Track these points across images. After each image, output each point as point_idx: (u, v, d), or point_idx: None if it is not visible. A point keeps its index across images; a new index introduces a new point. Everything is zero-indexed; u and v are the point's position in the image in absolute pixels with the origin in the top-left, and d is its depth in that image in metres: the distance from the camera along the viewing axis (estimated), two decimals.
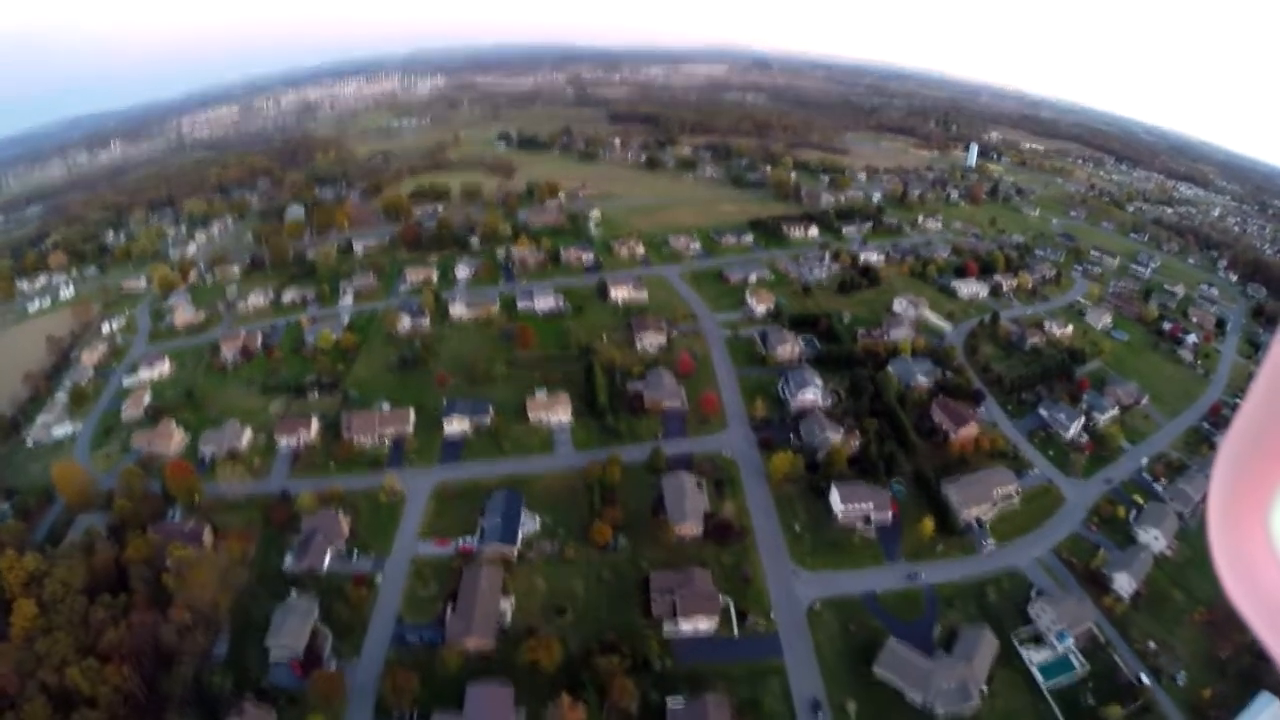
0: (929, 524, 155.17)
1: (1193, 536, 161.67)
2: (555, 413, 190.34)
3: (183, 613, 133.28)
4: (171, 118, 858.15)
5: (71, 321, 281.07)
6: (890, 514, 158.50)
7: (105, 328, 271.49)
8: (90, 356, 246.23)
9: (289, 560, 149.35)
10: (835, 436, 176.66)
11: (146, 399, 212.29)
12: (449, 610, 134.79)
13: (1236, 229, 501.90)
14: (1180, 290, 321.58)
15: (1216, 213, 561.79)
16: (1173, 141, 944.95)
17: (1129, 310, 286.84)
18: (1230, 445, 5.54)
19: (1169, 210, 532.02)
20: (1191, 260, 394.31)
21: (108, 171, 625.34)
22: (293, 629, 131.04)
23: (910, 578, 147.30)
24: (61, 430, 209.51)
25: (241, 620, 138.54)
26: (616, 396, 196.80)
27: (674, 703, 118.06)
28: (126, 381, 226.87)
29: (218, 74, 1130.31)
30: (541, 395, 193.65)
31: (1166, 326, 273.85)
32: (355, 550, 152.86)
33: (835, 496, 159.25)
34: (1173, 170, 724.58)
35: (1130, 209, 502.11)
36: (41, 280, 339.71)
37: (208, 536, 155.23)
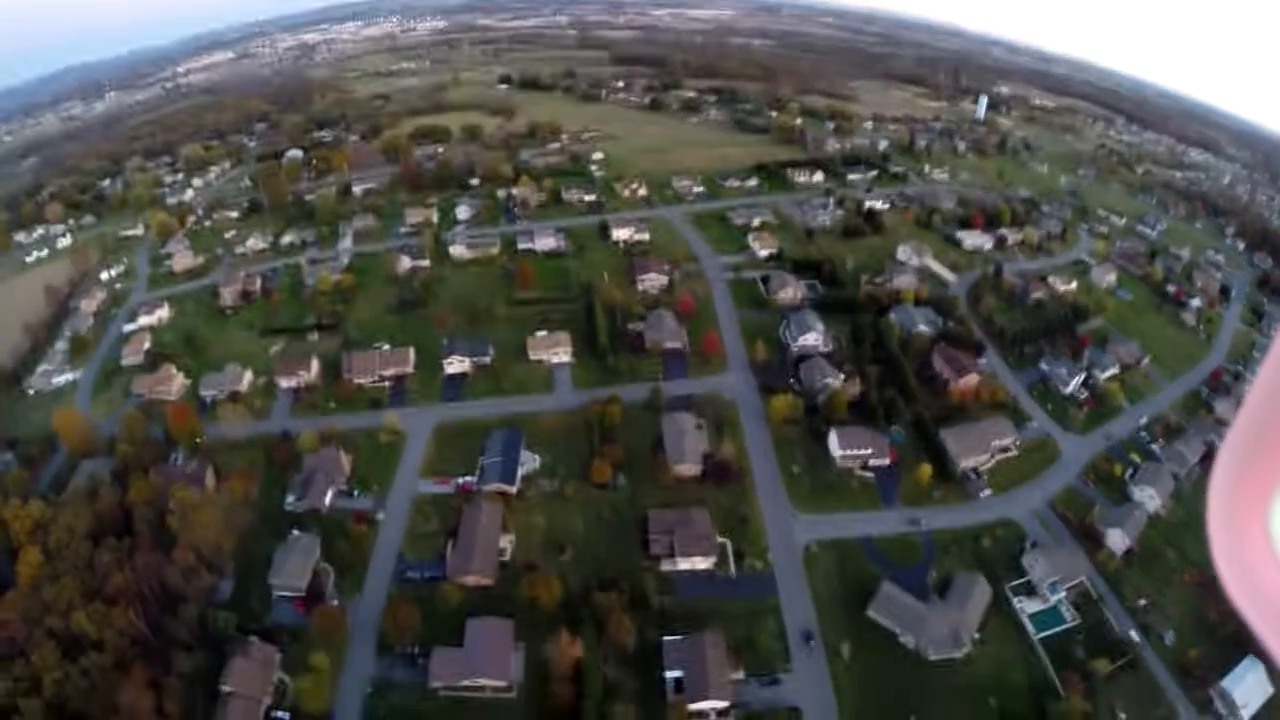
0: (926, 471, 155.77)
1: (1187, 498, 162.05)
2: (556, 352, 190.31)
3: (187, 554, 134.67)
4: (166, 65, 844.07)
5: (70, 271, 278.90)
6: (888, 459, 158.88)
7: (104, 275, 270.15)
8: (89, 305, 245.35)
9: (290, 499, 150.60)
10: (835, 381, 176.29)
11: (146, 345, 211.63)
12: (449, 547, 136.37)
13: (1245, 197, 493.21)
14: (1186, 254, 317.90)
15: (1226, 180, 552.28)
16: (1185, 105, 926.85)
17: (1134, 270, 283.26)
18: (1230, 446, 5.49)
19: (1178, 174, 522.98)
20: (1199, 225, 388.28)
21: (103, 121, 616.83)
22: (295, 567, 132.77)
23: (912, 523, 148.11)
24: (62, 379, 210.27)
25: (244, 560, 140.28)
26: (617, 337, 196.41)
27: (670, 639, 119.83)
28: (126, 328, 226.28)
29: (213, 19, 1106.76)
30: (542, 335, 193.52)
31: (1171, 289, 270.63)
32: (356, 488, 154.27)
33: (834, 440, 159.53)
34: (1184, 134, 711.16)
35: (1139, 170, 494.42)
36: (39, 231, 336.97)
37: (210, 478, 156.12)
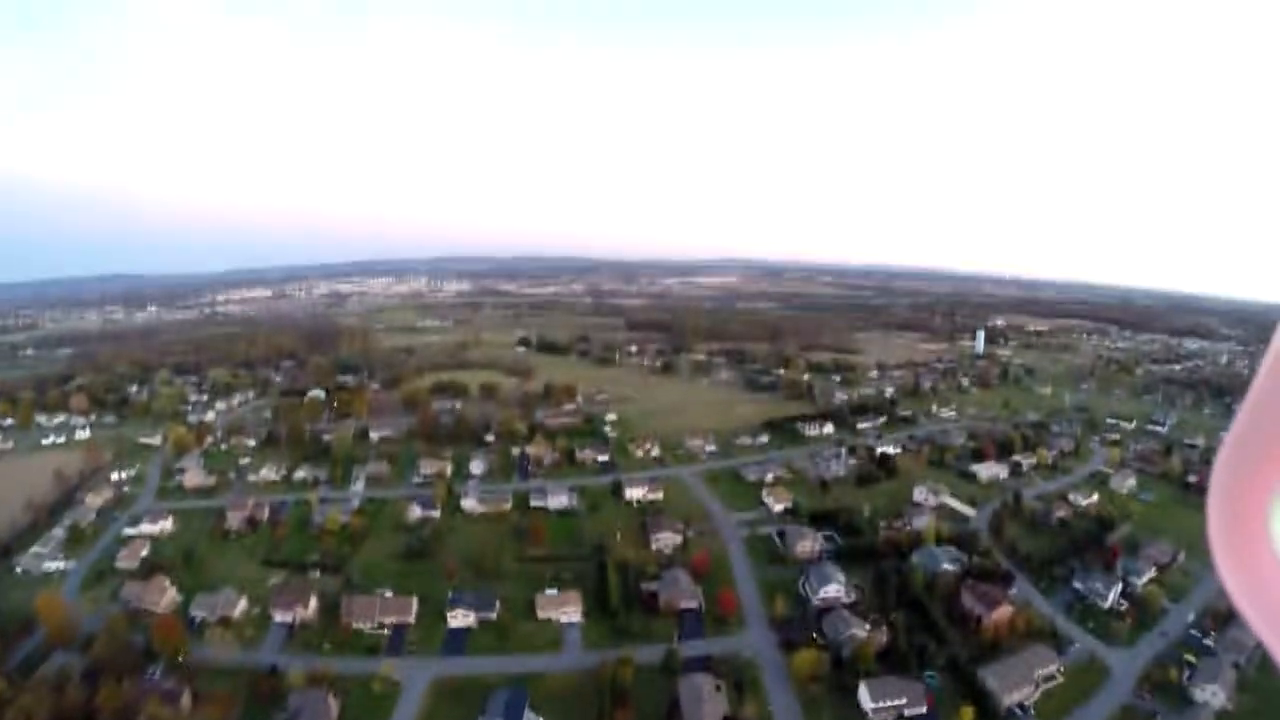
0: (968, 714, 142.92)
1: (1253, 685, 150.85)
2: (565, 611, 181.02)
3: None
4: (207, 291, 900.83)
5: (82, 463, 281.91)
6: (925, 707, 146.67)
7: (114, 475, 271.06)
8: (95, 500, 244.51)
9: None
10: (861, 632, 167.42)
11: (144, 552, 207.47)
12: None
13: (1246, 371, 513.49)
14: (1200, 441, 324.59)
15: (1224, 359, 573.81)
16: (1172, 300, 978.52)
17: (1152, 469, 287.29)
18: (1230, 445, 5.59)
19: (1177, 367, 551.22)
20: (1207, 410, 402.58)
21: (140, 330, 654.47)
22: None
23: None
24: (54, 565, 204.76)
25: None
26: (630, 596, 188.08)
27: None
28: (127, 531, 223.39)
29: (257, 256, 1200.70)
30: (552, 592, 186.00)
31: (1192, 479, 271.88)
32: None
33: (864, 694, 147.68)
34: (1175, 328, 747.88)
35: (1139, 372, 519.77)
36: (60, 418, 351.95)
37: (186, 699, 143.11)
